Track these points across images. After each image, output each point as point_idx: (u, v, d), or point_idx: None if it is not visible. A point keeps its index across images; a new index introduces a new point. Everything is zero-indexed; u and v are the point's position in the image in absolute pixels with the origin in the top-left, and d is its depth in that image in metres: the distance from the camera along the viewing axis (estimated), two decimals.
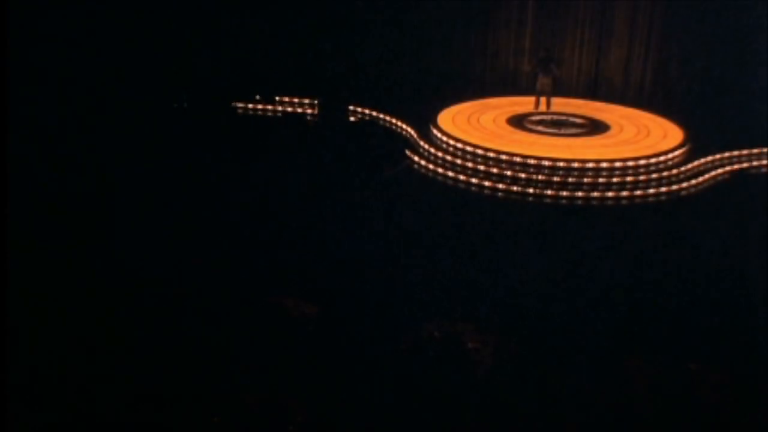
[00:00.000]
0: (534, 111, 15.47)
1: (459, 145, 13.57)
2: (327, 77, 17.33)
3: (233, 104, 17.01)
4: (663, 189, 12.72)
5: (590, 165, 12.85)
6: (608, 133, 14.56)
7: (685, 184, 12.92)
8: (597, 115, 15.63)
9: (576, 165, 12.82)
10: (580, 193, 12.44)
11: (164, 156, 12.90)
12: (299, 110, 16.91)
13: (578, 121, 15.16)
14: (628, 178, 12.83)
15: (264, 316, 7.66)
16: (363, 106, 16.30)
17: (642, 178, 12.92)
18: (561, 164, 12.81)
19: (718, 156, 13.88)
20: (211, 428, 6.04)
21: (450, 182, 12.96)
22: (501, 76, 18.04)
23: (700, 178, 13.16)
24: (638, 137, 14.42)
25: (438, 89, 17.38)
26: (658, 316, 8.42)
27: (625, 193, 12.49)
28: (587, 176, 12.73)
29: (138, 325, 7.50)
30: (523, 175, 12.70)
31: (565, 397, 6.74)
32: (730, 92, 16.63)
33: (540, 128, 14.63)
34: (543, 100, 15.58)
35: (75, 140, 12.62)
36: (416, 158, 13.68)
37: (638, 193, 12.58)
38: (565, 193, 12.43)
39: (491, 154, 13.12)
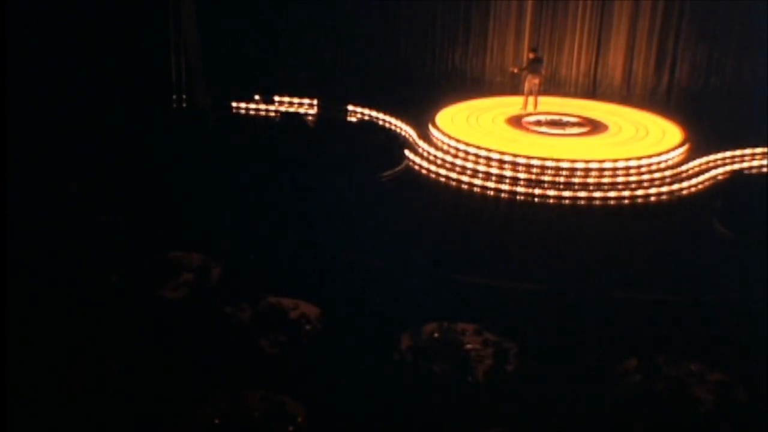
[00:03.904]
0: (523, 111, 15.47)
1: (482, 153, 13.28)
2: (327, 77, 17.34)
3: (232, 104, 17.00)
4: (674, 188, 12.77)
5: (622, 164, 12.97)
6: (610, 132, 14.58)
7: (685, 184, 12.94)
8: (585, 114, 15.64)
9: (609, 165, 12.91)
10: (613, 194, 12.47)
11: (163, 156, 12.89)
12: (299, 110, 16.90)
13: (573, 120, 15.17)
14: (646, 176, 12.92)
15: (263, 316, 7.66)
16: (363, 106, 16.30)
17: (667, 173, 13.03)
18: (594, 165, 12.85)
19: (717, 156, 13.91)
20: (212, 428, 6.04)
21: (454, 184, 12.94)
22: (500, 76, 18.05)
23: (700, 178, 13.18)
24: (638, 135, 14.46)
25: (437, 89, 17.41)
26: (658, 316, 8.42)
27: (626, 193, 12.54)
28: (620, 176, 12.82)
29: (138, 326, 7.51)
30: (561, 179, 12.66)
31: (564, 398, 6.74)
32: (729, 92, 16.66)
33: (543, 129, 14.63)
34: (532, 100, 15.60)
35: (73, 140, 12.62)
36: (417, 159, 13.69)
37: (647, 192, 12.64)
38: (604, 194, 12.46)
39: (522, 160, 12.99)
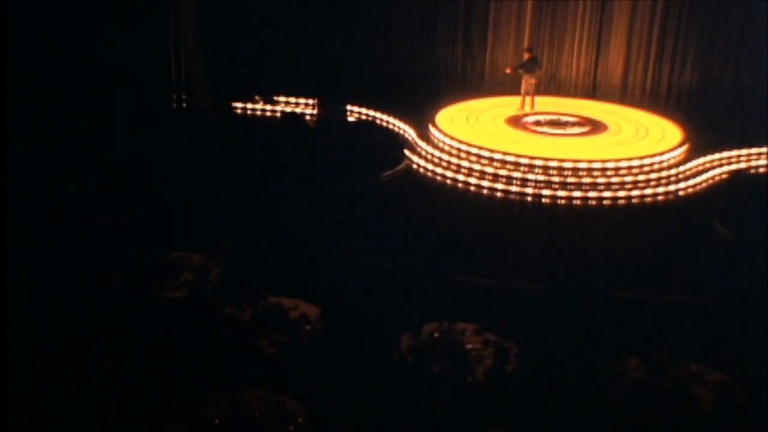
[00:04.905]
0: (520, 112, 15.47)
1: (485, 153, 13.21)
2: (327, 77, 17.34)
3: (232, 104, 17.00)
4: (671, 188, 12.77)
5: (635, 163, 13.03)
6: (610, 131, 14.58)
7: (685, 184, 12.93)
8: (583, 113, 15.65)
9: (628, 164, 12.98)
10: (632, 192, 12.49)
11: (162, 156, 12.90)
12: (300, 110, 16.91)
13: (572, 120, 15.17)
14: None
15: (263, 316, 7.66)
16: (363, 106, 16.31)
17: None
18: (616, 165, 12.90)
19: (717, 156, 13.90)
20: (212, 428, 6.04)
21: (454, 184, 12.93)
22: (500, 76, 18.04)
23: (700, 178, 13.17)
24: (638, 134, 14.47)
25: (437, 89, 17.42)
26: (658, 315, 8.43)
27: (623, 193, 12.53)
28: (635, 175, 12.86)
29: (138, 326, 7.51)
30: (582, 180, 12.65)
31: (564, 398, 6.74)
32: (729, 92, 16.66)
33: (544, 129, 14.63)
34: (529, 100, 15.60)
35: (73, 141, 12.62)
36: (417, 159, 13.69)
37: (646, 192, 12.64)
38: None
39: (539, 162, 12.92)
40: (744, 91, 16.38)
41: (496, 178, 12.75)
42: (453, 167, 13.17)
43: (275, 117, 16.63)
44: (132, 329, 7.38)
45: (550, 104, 16.04)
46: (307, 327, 7.53)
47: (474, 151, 13.30)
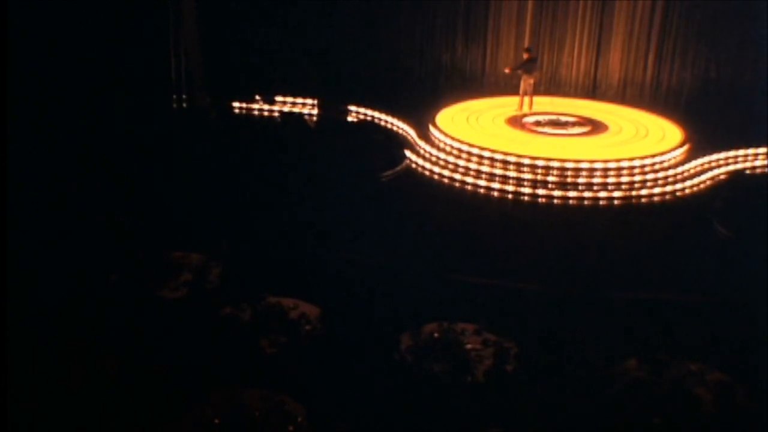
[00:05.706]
0: (518, 112, 15.46)
1: (486, 153, 13.15)
2: (327, 77, 17.34)
3: (232, 104, 17.01)
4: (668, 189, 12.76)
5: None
6: (610, 131, 14.57)
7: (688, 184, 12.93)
8: (582, 113, 15.66)
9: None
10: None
11: (163, 156, 12.90)
12: (300, 110, 16.91)
13: (572, 120, 15.17)
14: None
15: (263, 316, 7.67)
16: (363, 106, 16.31)
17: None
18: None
19: (717, 156, 13.89)
20: (212, 428, 6.04)
21: (454, 184, 12.92)
22: (499, 76, 18.03)
23: (700, 179, 13.17)
24: (639, 134, 14.48)
25: (437, 90, 17.42)
26: (658, 315, 8.43)
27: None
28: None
29: (138, 326, 7.51)
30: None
31: (564, 398, 6.74)
32: (729, 92, 16.65)
33: (546, 129, 14.62)
34: (527, 100, 15.60)
35: (74, 140, 12.63)
36: (417, 159, 13.68)
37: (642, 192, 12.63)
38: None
39: (540, 162, 12.88)
40: (744, 91, 16.37)
41: (494, 177, 12.75)
42: (453, 167, 13.17)
43: (275, 117, 16.64)
44: (132, 329, 7.38)
45: (542, 104, 15.98)
46: (307, 327, 7.53)
47: (474, 151, 13.29)
